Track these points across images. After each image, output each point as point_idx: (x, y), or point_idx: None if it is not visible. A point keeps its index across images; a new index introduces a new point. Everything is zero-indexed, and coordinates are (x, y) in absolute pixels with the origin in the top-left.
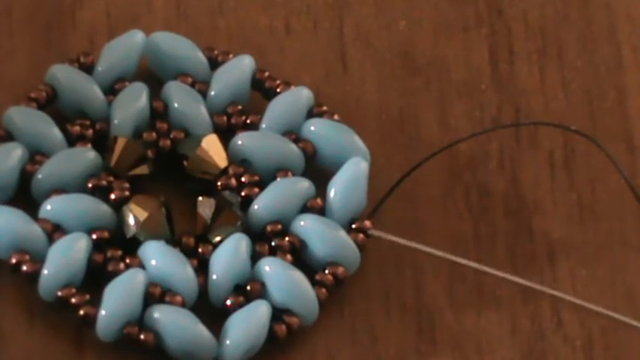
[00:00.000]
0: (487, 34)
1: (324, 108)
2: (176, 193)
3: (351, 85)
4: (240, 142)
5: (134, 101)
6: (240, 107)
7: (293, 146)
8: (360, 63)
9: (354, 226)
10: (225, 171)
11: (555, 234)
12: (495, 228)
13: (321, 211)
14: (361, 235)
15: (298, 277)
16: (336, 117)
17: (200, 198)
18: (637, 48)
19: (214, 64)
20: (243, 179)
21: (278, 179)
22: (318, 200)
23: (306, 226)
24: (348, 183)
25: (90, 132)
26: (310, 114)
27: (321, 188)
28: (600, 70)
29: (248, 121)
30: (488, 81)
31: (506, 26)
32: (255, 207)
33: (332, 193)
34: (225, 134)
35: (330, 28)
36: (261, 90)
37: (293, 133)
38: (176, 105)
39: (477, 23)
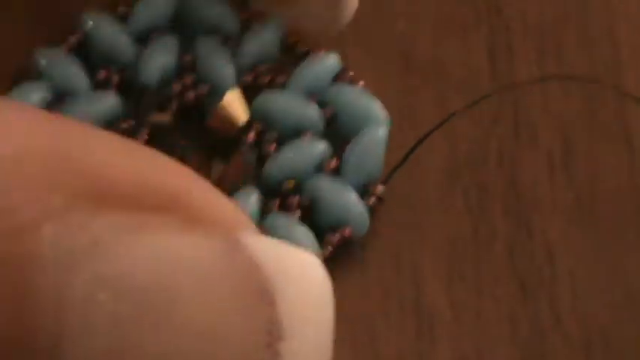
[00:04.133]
0: (486, 33)
1: (351, 74)
2: (194, 147)
3: None
4: (262, 101)
5: (163, 53)
6: (267, 67)
7: (315, 108)
8: (357, 62)
9: (366, 190)
10: (245, 127)
11: (555, 233)
12: (494, 228)
13: (336, 173)
14: (372, 199)
15: (303, 232)
16: (361, 83)
17: (215, 163)
18: (636, 47)
19: (246, 23)
20: (262, 137)
21: (296, 139)
22: (334, 162)
23: (318, 185)
24: (364, 147)
25: (116, 78)
26: (336, 79)
27: (339, 153)
28: (599, 70)
29: (274, 82)
30: (487, 80)
31: (505, 25)
32: (271, 164)
33: (348, 156)
34: (250, 92)
35: None
36: (290, 53)
37: (317, 96)
38: (204, 60)
39: (476, 22)
